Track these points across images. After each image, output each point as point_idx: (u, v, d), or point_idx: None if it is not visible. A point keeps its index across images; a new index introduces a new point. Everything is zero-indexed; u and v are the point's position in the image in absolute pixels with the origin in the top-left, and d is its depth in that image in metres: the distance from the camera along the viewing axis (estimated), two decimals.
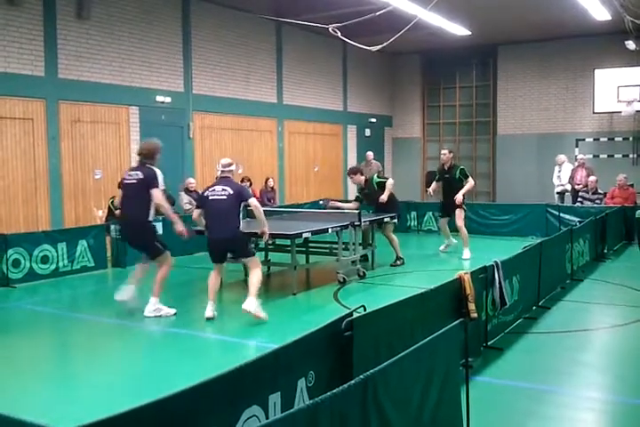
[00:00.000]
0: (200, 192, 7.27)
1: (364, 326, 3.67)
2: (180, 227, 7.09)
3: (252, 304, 6.52)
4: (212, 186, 6.91)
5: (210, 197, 6.78)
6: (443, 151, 11.22)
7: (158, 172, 6.98)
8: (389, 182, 10.05)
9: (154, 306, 6.98)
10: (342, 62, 17.97)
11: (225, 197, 6.69)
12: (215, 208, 6.72)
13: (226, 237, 6.72)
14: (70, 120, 10.92)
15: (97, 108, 11.35)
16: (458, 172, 10.75)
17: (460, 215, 10.70)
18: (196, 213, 7.09)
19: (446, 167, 10.97)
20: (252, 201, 6.82)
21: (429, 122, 20.32)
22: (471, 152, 19.73)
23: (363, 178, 10.27)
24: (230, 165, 6.97)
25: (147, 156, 7.09)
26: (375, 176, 10.47)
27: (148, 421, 2.32)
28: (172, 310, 7.05)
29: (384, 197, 9.85)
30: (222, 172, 6.96)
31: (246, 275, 9.24)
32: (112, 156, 11.61)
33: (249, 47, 14.63)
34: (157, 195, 6.90)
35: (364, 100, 19.06)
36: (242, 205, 6.81)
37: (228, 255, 7.11)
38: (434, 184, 11.44)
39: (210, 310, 6.76)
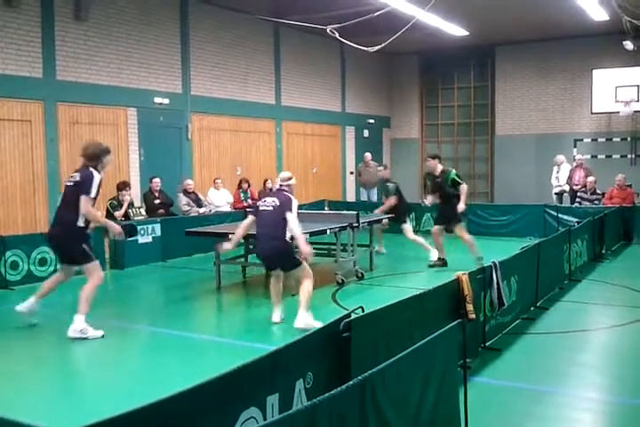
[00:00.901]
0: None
1: (362, 328, 3.68)
2: (116, 229, 6.77)
3: (301, 321, 6.18)
4: (266, 197, 6.85)
5: (261, 208, 6.69)
6: (379, 168, 11.53)
7: (97, 177, 6.33)
8: (464, 189, 9.68)
9: (80, 326, 6.23)
10: (340, 63, 17.98)
11: (272, 209, 6.55)
12: (262, 219, 6.62)
13: (271, 248, 6.55)
14: (68, 122, 10.92)
15: (95, 110, 11.35)
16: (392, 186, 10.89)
17: (407, 229, 10.62)
18: (249, 218, 6.87)
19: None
20: (288, 215, 6.46)
21: (428, 123, 20.33)
22: (469, 153, 19.75)
23: (440, 167, 9.86)
24: (289, 178, 6.80)
25: (90, 158, 6.45)
26: (453, 172, 9.89)
27: (145, 423, 2.32)
28: (100, 332, 6.28)
29: (462, 207, 9.54)
30: (280, 185, 6.81)
31: (245, 276, 9.27)
32: None
33: (247, 48, 14.63)
34: (83, 204, 6.22)
35: (362, 101, 19.07)
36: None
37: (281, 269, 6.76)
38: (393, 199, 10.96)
39: (276, 315, 6.70)
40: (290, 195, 6.62)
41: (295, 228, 6.46)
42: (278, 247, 6.53)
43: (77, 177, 6.38)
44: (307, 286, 6.44)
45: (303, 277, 6.55)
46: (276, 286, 6.81)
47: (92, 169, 6.39)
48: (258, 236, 6.71)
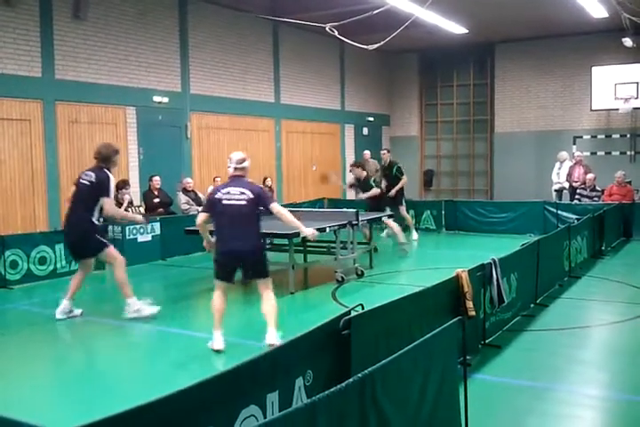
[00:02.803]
0: (210, 193, 5.92)
1: (361, 325, 3.68)
2: (139, 219, 7.64)
3: (273, 337, 5.45)
4: (225, 187, 5.68)
5: (224, 202, 5.56)
6: (382, 151, 13.04)
7: (112, 178, 6.83)
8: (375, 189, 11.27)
9: (135, 306, 6.82)
10: (339, 61, 17.97)
11: (245, 202, 5.53)
12: (231, 215, 5.54)
13: (245, 250, 5.56)
14: (67, 121, 10.91)
15: (94, 109, 11.35)
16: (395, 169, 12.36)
17: None
18: (202, 217, 5.82)
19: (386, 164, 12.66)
20: (275, 206, 5.66)
21: (427, 120, 20.33)
22: (469, 150, 19.75)
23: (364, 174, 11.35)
24: (244, 160, 5.74)
25: (103, 159, 6.87)
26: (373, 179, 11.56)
27: (145, 421, 2.32)
28: (155, 309, 6.88)
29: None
30: (235, 169, 5.70)
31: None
32: None
33: (246, 47, 14.62)
34: (108, 206, 6.78)
35: (361, 98, 19.06)
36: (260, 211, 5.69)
37: (243, 276, 5.89)
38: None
39: (219, 341, 5.62)
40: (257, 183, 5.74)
41: (290, 216, 5.74)
42: (255, 250, 5.65)
43: (93, 177, 6.77)
44: (271, 301, 5.67)
45: (267, 289, 5.70)
46: (221, 302, 5.71)
47: (106, 170, 6.82)
48: (224, 236, 5.61)
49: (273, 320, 5.60)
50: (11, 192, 10.16)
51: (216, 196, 5.63)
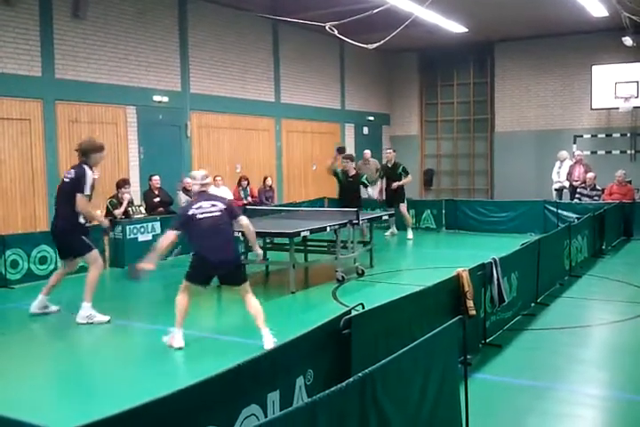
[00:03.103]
0: (182, 212, 6.15)
1: (362, 324, 3.67)
2: (105, 224, 7.48)
3: (270, 340, 5.63)
4: (195, 203, 5.95)
5: (198, 216, 5.78)
6: (388, 151, 13.69)
7: (89, 174, 6.61)
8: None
9: (87, 312, 6.69)
10: (340, 60, 17.96)
11: (219, 213, 5.83)
12: (207, 228, 5.76)
13: (224, 260, 5.78)
14: (67, 120, 10.91)
15: (94, 109, 11.34)
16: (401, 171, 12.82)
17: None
18: (172, 237, 5.89)
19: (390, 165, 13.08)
20: (243, 219, 5.97)
21: (427, 120, 20.32)
22: (469, 149, 19.74)
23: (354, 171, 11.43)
24: (207, 177, 6.12)
25: (82, 153, 6.72)
26: (364, 176, 11.59)
27: (146, 420, 2.32)
28: (106, 318, 6.71)
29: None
30: (201, 186, 6.05)
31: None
32: (110, 156, 11.51)
33: (246, 46, 14.61)
34: (79, 201, 6.57)
35: (361, 98, 19.05)
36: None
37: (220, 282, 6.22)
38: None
39: (181, 339, 5.81)
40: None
41: (253, 232, 6.08)
42: (233, 259, 5.91)
43: (73, 174, 6.66)
44: (255, 304, 5.87)
45: (248, 293, 5.93)
46: (187, 303, 5.93)
47: (84, 166, 6.65)
48: (203, 248, 5.79)
49: (262, 322, 5.81)
50: (11, 192, 10.15)
51: (189, 213, 5.86)
